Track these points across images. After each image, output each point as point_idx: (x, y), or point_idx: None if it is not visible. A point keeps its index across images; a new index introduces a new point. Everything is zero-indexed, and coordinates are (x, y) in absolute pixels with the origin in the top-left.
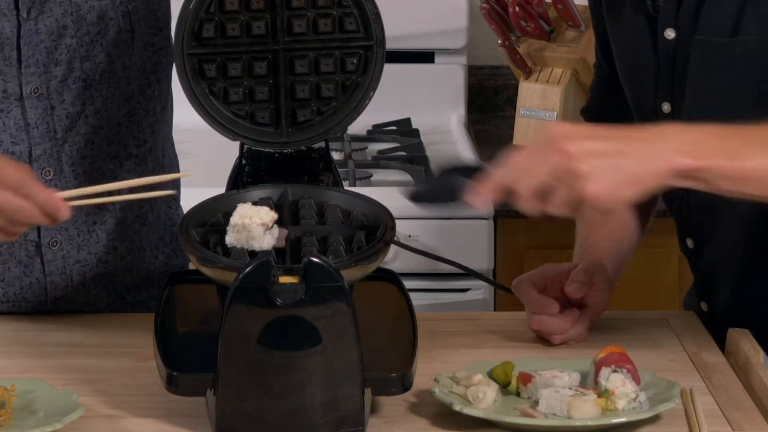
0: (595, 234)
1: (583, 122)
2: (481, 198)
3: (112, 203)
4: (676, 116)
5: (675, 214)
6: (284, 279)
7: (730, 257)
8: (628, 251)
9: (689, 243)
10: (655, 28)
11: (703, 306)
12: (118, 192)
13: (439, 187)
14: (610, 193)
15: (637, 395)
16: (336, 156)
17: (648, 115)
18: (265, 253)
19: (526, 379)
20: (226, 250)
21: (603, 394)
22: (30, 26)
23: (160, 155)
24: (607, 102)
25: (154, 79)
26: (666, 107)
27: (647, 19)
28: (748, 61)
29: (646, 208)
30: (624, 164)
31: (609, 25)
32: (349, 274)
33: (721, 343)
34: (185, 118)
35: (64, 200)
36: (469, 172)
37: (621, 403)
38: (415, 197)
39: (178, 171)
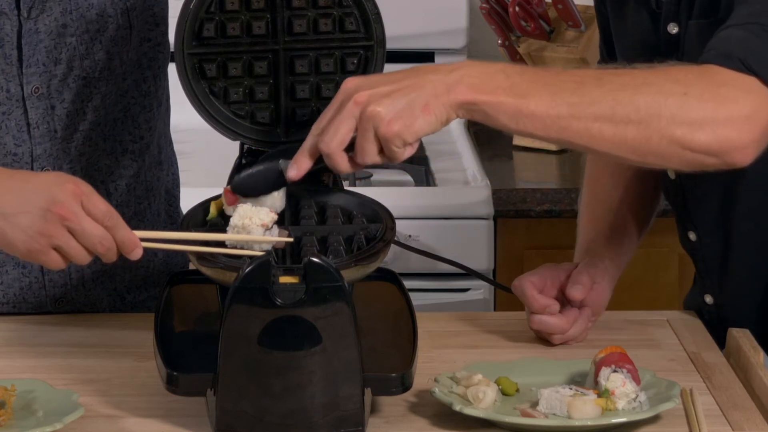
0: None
1: None
2: (297, 168)
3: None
4: None
5: (674, 208)
6: (284, 279)
7: (735, 248)
8: (629, 251)
9: (691, 236)
10: (659, 23)
11: (708, 299)
12: (199, 243)
13: (259, 176)
14: (408, 127)
15: (637, 395)
16: None
17: None
18: (265, 253)
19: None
20: None
21: (603, 394)
22: (30, 26)
23: (156, 152)
24: None
25: (150, 74)
26: None
27: (650, 14)
28: None
29: (647, 208)
30: (413, 98)
31: (613, 22)
32: (349, 274)
33: (721, 342)
34: (185, 117)
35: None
36: (289, 152)
37: (621, 403)
38: (238, 190)
39: (176, 169)
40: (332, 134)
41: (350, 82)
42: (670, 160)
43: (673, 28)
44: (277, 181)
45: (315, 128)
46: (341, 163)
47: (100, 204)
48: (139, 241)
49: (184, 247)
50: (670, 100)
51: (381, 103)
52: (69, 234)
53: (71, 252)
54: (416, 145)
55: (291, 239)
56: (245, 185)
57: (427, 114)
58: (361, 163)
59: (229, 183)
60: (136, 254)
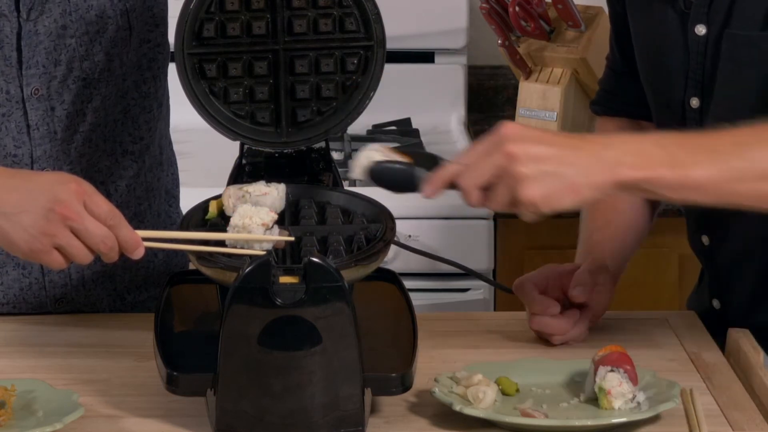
0: (599, 234)
1: (592, 114)
2: (431, 188)
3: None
4: (705, 111)
5: (687, 212)
6: (284, 279)
7: (752, 253)
8: (630, 251)
9: (704, 240)
10: (686, 23)
11: (715, 303)
12: (200, 242)
13: (401, 173)
14: (546, 200)
15: (635, 395)
16: (336, 156)
17: (675, 110)
18: (265, 253)
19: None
20: None
21: (599, 393)
22: (30, 27)
23: (157, 152)
24: (619, 96)
25: (149, 75)
26: (695, 102)
27: (678, 14)
28: None
29: (648, 208)
30: (564, 172)
31: (633, 20)
32: (349, 274)
33: (721, 343)
34: (185, 117)
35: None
36: (432, 163)
37: (618, 403)
38: (373, 175)
39: (175, 169)
40: (474, 175)
41: (509, 128)
42: None
43: (701, 30)
44: (409, 185)
45: (463, 157)
46: (474, 200)
47: (102, 203)
48: (141, 240)
49: (186, 247)
50: None
51: (528, 166)
52: (71, 234)
53: (73, 252)
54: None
55: (291, 238)
56: (382, 175)
57: (572, 194)
58: (490, 207)
59: (229, 183)
60: (139, 254)
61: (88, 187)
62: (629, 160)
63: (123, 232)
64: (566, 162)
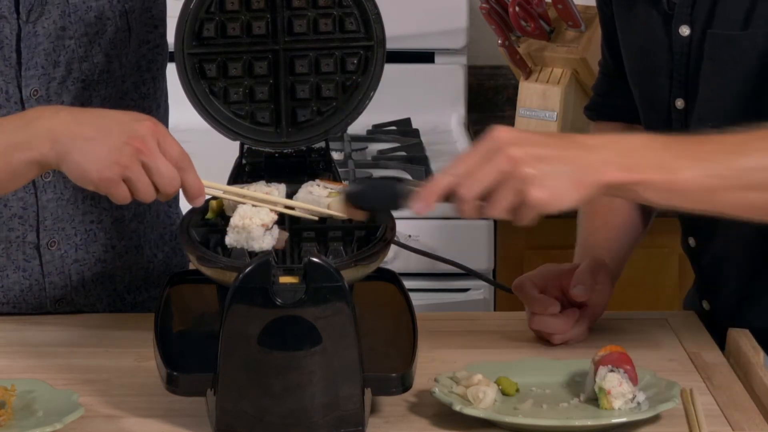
0: (597, 235)
1: (587, 119)
2: (424, 203)
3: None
4: (689, 112)
5: (678, 213)
6: (284, 279)
7: (734, 256)
8: (629, 250)
9: (691, 242)
10: (670, 24)
11: (705, 305)
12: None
13: (379, 191)
14: (553, 198)
15: (635, 396)
16: (336, 156)
17: (661, 111)
18: (265, 253)
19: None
20: (226, 250)
21: (599, 393)
22: (29, 29)
23: None
24: (612, 100)
25: (149, 76)
26: (680, 103)
27: (661, 15)
28: (756, 54)
29: (647, 208)
30: (566, 170)
31: (619, 22)
32: (349, 274)
33: (721, 343)
34: (185, 118)
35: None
36: (406, 183)
37: (618, 403)
38: (352, 198)
39: None
40: (477, 184)
41: (502, 133)
42: None
43: (684, 30)
44: (394, 202)
45: (454, 168)
46: (472, 211)
47: (175, 145)
48: (204, 189)
49: (243, 200)
50: None
51: (536, 167)
52: (142, 169)
53: (140, 187)
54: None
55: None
56: (363, 196)
57: (579, 190)
58: (489, 215)
59: (229, 183)
60: (200, 201)
61: (162, 128)
62: (619, 161)
63: (190, 177)
64: (567, 160)
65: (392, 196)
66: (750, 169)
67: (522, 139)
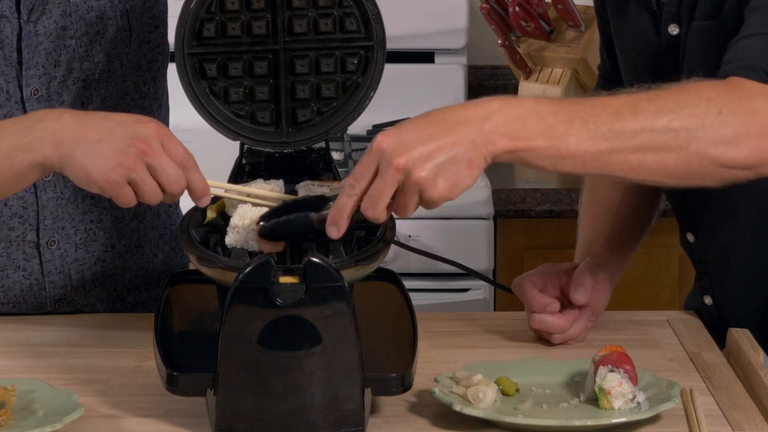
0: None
1: None
2: (338, 230)
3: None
4: None
5: (674, 209)
6: (284, 279)
7: (737, 250)
8: (630, 251)
9: (689, 237)
10: (659, 24)
11: (707, 300)
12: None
13: (290, 226)
14: (452, 187)
15: (635, 396)
16: (336, 156)
17: None
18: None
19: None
20: (226, 250)
21: (599, 393)
22: (30, 28)
23: None
24: None
25: (149, 76)
26: None
27: (651, 16)
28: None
29: (647, 208)
30: (455, 156)
31: (613, 23)
32: (349, 274)
33: (721, 342)
34: (185, 117)
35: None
36: (314, 204)
37: (618, 403)
38: (267, 235)
39: None
40: (377, 201)
41: (383, 142)
42: (708, 179)
43: (673, 29)
44: (308, 232)
45: (349, 188)
46: (384, 218)
47: (179, 146)
48: (209, 188)
49: (247, 198)
50: (707, 121)
51: (424, 168)
52: (147, 170)
53: (146, 189)
54: None
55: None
56: (276, 233)
57: (471, 169)
58: (402, 216)
59: (229, 183)
60: (205, 201)
61: (165, 129)
62: (507, 130)
63: (195, 177)
64: (453, 145)
65: (303, 228)
66: (638, 131)
67: (403, 143)
